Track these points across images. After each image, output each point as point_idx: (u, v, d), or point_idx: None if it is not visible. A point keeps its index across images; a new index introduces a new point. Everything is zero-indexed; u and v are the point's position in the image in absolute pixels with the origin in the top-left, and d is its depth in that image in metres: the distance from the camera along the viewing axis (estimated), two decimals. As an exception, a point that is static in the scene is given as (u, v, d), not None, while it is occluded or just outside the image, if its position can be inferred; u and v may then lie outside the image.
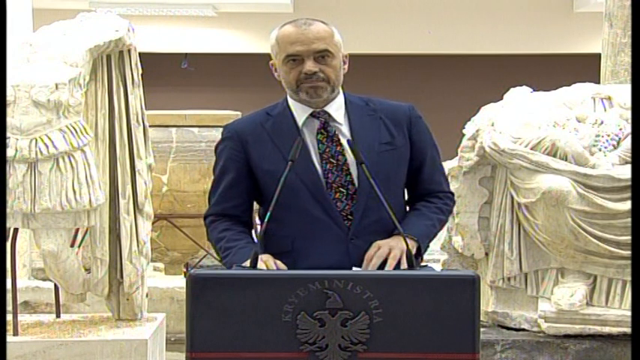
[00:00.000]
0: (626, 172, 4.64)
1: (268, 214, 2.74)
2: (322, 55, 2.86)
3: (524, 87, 5.21)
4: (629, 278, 4.68)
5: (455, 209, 4.48)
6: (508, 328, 4.91)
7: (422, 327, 2.48)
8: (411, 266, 2.73)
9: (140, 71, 4.58)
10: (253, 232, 3.06)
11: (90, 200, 4.13)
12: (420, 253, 2.90)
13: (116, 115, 4.44)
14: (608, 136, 4.84)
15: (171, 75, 13.13)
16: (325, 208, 2.86)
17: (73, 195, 4.08)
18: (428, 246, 2.97)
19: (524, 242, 4.87)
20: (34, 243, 4.40)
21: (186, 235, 6.53)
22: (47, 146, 4.04)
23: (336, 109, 2.93)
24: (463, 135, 5.05)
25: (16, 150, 4.02)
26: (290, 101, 2.95)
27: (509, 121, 4.91)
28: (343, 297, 2.47)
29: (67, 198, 4.07)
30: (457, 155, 5.02)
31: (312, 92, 2.87)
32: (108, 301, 4.56)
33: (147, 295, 4.66)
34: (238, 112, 6.79)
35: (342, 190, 2.88)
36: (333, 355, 2.47)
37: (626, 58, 5.61)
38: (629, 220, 4.50)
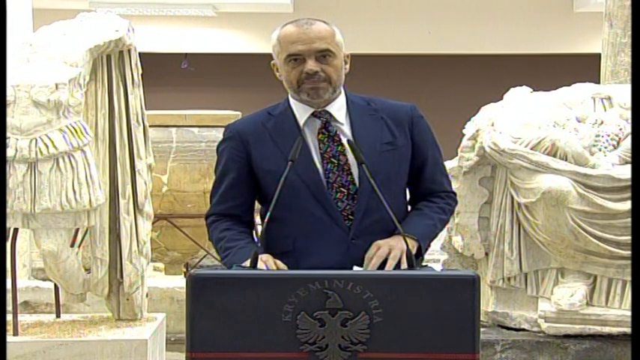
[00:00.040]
0: (626, 172, 4.64)
1: (268, 213, 2.74)
2: (323, 55, 2.86)
3: (524, 87, 5.21)
4: (629, 278, 4.68)
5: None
6: (508, 328, 4.91)
7: (422, 327, 2.47)
8: (411, 266, 2.72)
9: (140, 71, 4.58)
10: (254, 231, 3.06)
11: (90, 200, 4.13)
12: (420, 252, 2.90)
13: (116, 115, 4.44)
14: (608, 136, 4.84)
15: (171, 75, 13.13)
16: (326, 208, 2.86)
17: (73, 195, 4.08)
18: (429, 246, 2.97)
19: (524, 242, 4.87)
20: (34, 243, 4.40)
21: (186, 235, 6.53)
22: (47, 146, 4.04)
23: (338, 109, 2.93)
24: (463, 135, 5.05)
25: (16, 150, 4.02)
26: (291, 101, 2.95)
27: (509, 121, 4.91)
28: (343, 297, 2.47)
29: (67, 198, 4.07)
30: (457, 155, 5.02)
31: (313, 94, 2.87)
32: (108, 301, 4.56)
33: (147, 295, 4.66)
34: (238, 112, 6.79)
35: (343, 190, 2.88)
36: (333, 355, 2.47)
37: (626, 58, 5.61)
38: (629, 220, 4.50)
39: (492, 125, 4.92)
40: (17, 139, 4.04)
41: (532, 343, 4.77)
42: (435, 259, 5.76)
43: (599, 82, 5.67)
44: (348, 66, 2.96)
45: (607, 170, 4.70)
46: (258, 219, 3.14)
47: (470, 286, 2.50)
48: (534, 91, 5.17)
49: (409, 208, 3.04)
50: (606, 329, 4.72)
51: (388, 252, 2.79)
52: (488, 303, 4.94)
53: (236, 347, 2.48)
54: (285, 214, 2.86)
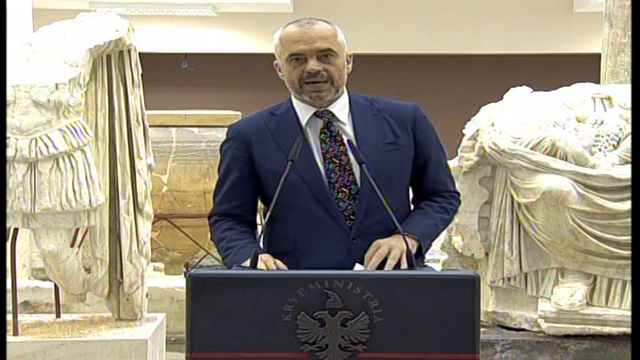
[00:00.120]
0: (626, 172, 4.64)
1: (268, 214, 2.75)
2: (325, 54, 2.86)
3: (524, 87, 5.21)
4: (629, 278, 4.68)
5: (455, 209, 4.48)
6: (508, 328, 4.91)
7: (422, 327, 2.48)
8: (411, 266, 2.72)
9: (140, 71, 4.58)
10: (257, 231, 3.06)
11: (90, 200, 4.13)
12: (421, 252, 2.90)
13: (116, 115, 4.44)
14: (608, 136, 4.84)
15: (171, 75, 13.13)
16: (327, 208, 2.86)
17: (73, 195, 4.08)
18: (430, 245, 2.97)
19: (524, 242, 4.87)
20: (34, 243, 4.40)
21: (186, 235, 6.52)
22: (47, 146, 4.04)
23: (340, 108, 2.93)
24: (463, 135, 5.05)
25: (16, 150, 4.02)
26: (294, 101, 2.95)
27: (509, 121, 4.91)
28: (343, 297, 2.47)
29: (67, 198, 4.07)
30: (457, 155, 5.02)
31: (314, 96, 2.88)
32: (108, 301, 4.56)
33: (147, 295, 4.66)
34: (238, 112, 6.79)
35: (344, 189, 2.88)
36: (333, 355, 2.47)
37: (626, 58, 5.61)
38: (629, 220, 4.50)
39: (492, 125, 4.92)
40: (17, 139, 4.04)
41: (532, 343, 4.77)
42: (435, 259, 5.76)
43: (599, 82, 5.67)
44: (350, 66, 2.97)
45: (607, 170, 4.70)
46: (260, 218, 3.15)
47: (470, 286, 2.50)
48: (534, 91, 5.17)
49: (412, 207, 3.04)
50: (606, 329, 4.72)
51: (388, 251, 2.79)
52: (488, 303, 4.94)
53: (236, 347, 2.48)
54: (287, 214, 2.86)
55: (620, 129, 4.84)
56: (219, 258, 2.97)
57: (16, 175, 4.03)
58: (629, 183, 4.48)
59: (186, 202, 6.55)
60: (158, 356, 4.46)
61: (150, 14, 11.44)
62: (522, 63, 12.58)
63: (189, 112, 6.80)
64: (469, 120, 5.12)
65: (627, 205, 4.59)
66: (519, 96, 5.12)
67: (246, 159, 2.94)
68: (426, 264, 2.95)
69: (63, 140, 4.07)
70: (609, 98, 5.01)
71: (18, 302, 4.36)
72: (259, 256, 2.70)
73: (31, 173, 4.05)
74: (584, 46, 11.63)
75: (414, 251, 2.81)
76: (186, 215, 6.53)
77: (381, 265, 2.77)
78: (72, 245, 4.31)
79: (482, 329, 4.17)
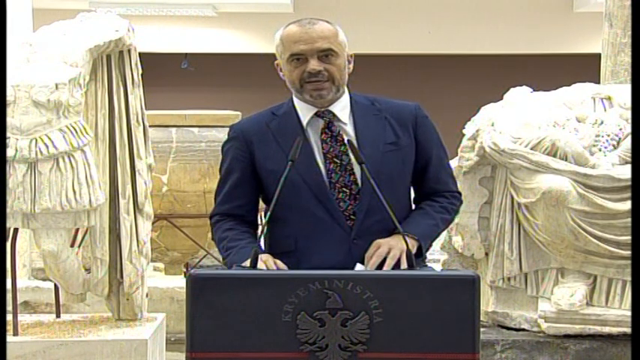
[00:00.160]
0: (626, 172, 4.64)
1: (268, 214, 2.75)
2: (326, 54, 2.86)
3: (524, 87, 5.21)
4: (629, 278, 4.68)
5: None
6: (508, 328, 4.91)
7: (422, 327, 2.48)
8: (410, 266, 2.72)
9: (140, 71, 4.58)
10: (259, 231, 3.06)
11: (90, 200, 4.13)
12: (421, 252, 2.90)
13: (116, 115, 4.44)
14: (608, 136, 4.84)
15: (171, 75, 13.12)
16: (328, 208, 2.86)
17: (73, 195, 4.08)
18: (430, 245, 2.97)
19: (524, 242, 4.87)
20: (34, 243, 4.40)
21: (186, 235, 6.52)
22: (47, 146, 4.04)
23: (341, 108, 2.93)
24: (463, 135, 5.05)
25: (16, 150, 4.02)
26: (295, 101, 2.95)
27: (509, 121, 4.91)
28: (343, 297, 2.47)
29: (67, 198, 4.07)
30: (457, 155, 5.02)
31: (315, 95, 2.88)
32: (108, 301, 4.56)
33: (147, 295, 4.66)
34: (238, 112, 6.79)
35: (345, 190, 2.88)
36: (333, 355, 2.47)
37: (626, 58, 5.61)
38: (629, 220, 4.50)
39: (492, 125, 4.92)
40: (17, 139, 4.04)
41: (532, 343, 4.77)
42: (435, 259, 5.76)
43: (599, 82, 5.67)
44: (351, 66, 2.97)
45: (607, 170, 4.70)
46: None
47: (470, 286, 2.50)
48: (534, 91, 5.17)
49: (414, 207, 3.04)
50: (606, 329, 4.72)
51: (387, 251, 2.79)
52: (488, 303, 4.94)
53: (236, 347, 2.48)
54: (287, 214, 2.86)
55: (620, 129, 4.84)
56: (220, 258, 2.97)
57: (16, 175, 4.03)
58: (629, 183, 4.48)
59: (186, 202, 6.55)
60: (158, 356, 4.46)
61: (150, 14, 11.44)
62: (522, 63, 12.58)
63: (189, 112, 6.80)
64: (469, 120, 5.12)
65: (627, 205, 4.59)
66: (519, 96, 5.12)
67: (248, 159, 2.94)
68: (425, 264, 2.95)
69: (63, 140, 4.07)
70: (609, 98, 5.01)
71: (18, 302, 4.36)
72: (259, 256, 2.70)
73: (31, 173, 4.05)
74: (584, 46, 11.62)
75: (414, 251, 2.81)
76: (186, 215, 6.53)
77: (381, 265, 2.77)
78: (72, 245, 4.31)
79: (482, 329, 4.17)
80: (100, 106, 4.42)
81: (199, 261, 6.96)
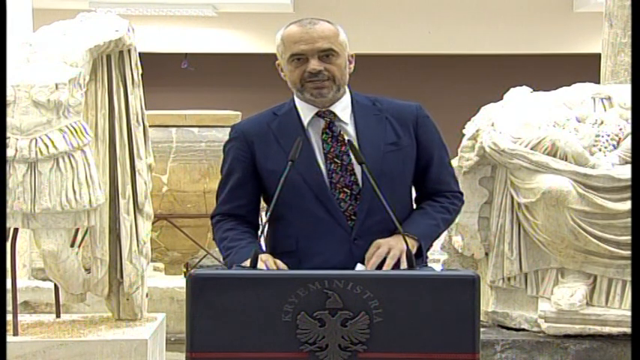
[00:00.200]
0: (626, 172, 4.64)
1: (269, 214, 2.75)
2: (327, 54, 2.86)
3: (524, 87, 5.21)
4: (629, 278, 4.68)
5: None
6: (508, 328, 4.91)
7: (422, 327, 2.47)
8: (410, 266, 2.72)
9: (140, 71, 4.58)
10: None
11: (90, 200, 4.13)
12: (421, 252, 2.90)
13: (116, 115, 4.44)
14: (608, 136, 4.84)
15: (171, 75, 13.12)
16: (329, 208, 2.86)
17: (73, 195, 4.08)
18: (431, 245, 2.97)
19: (524, 242, 4.87)
20: (34, 243, 4.40)
21: (186, 235, 6.53)
22: (47, 146, 4.04)
23: (342, 108, 2.93)
24: (463, 135, 5.05)
25: (16, 150, 4.02)
26: (296, 101, 2.95)
27: (509, 121, 4.91)
28: (343, 297, 2.47)
29: (67, 198, 4.07)
30: (457, 155, 5.02)
31: (316, 93, 2.88)
32: (108, 301, 4.56)
33: (147, 295, 4.66)
34: (238, 112, 6.79)
35: (346, 190, 2.88)
36: (333, 355, 2.47)
37: (626, 58, 5.61)
38: (629, 220, 4.50)
39: (492, 125, 4.92)
40: (17, 139, 4.04)
41: (532, 343, 4.77)
42: (435, 259, 5.77)
43: (599, 82, 5.67)
44: (352, 66, 2.97)
45: (607, 170, 4.71)
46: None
47: (470, 286, 2.50)
48: (534, 91, 5.17)
49: (415, 207, 3.04)
50: (606, 329, 4.72)
51: (387, 251, 2.79)
52: (488, 303, 4.94)
53: (236, 347, 2.48)
54: (288, 214, 2.87)
55: (620, 129, 4.85)
56: (220, 258, 2.97)
57: (16, 175, 4.03)
58: (629, 183, 4.48)
59: (186, 202, 6.56)
60: (158, 356, 4.46)
61: (150, 14, 11.44)
62: (522, 63, 12.57)
63: (189, 112, 6.81)
64: (469, 120, 5.12)
65: (627, 205, 4.59)
66: (519, 96, 5.12)
67: (249, 159, 2.94)
68: (425, 264, 2.95)
69: (63, 140, 4.07)
70: (609, 98, 5.01)
71: (18, 302, 4.36)
72: (259, 256, 2.70)
73: (31, 173, 4.05)
74: (584, 46, 11.62)
75: (414, 251, 2.81)
76: (186, 215, 6.54)
77: (381, 265, 2.77)
78: (72, 245, 4.31)
79: (482, 329, 4.17)
80: (100, 106, 4.42)
81: (199, 261, 6.97)
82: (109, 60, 4.44)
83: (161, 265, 7.05)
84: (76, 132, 4.13)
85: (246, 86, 13.04)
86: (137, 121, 4.51)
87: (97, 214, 4.27)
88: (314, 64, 2.85)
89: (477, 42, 12.15)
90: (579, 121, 4.91)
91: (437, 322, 2.47)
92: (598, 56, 5.91)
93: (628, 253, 4.54)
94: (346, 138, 2.89)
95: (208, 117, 6.76)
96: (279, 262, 2.78)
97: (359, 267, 2.81)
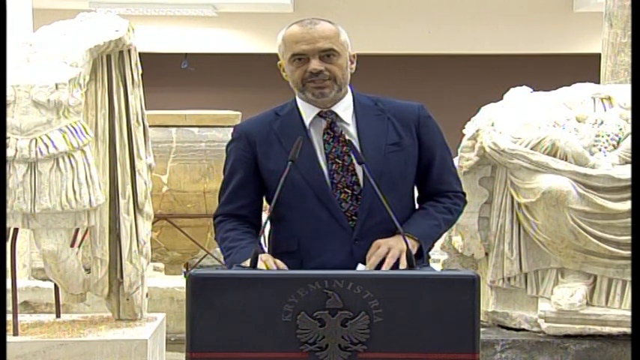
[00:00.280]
0: (626, 172, 4.64)
1: (269, 214, 2.75)
2: (328, 54, 2.86)
3: (524, 87, 5.21)
4: (629, 278, 4.68)
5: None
6: (508, 328, 4.91)
7: (422, 327, 2.48)
8: (410, 266, 2.72)
9: (140, 71, 4.58)
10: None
11: (90, 200, 4.13)
12: (421, 253, 2.90)
13: (116, 115, 4.44)
14: (608, 136, 4.84)
15: (171, 75, 13.13)
16: (330, 208, 2.86)
17: (73, 195, 4.08)
18: (432, 246, 2.97)
19: (524, 242, 4.87)
20: (34, 243, 4.40)
21: (186, 235, 6.52)
22: (47, 146, 4.04)
23: (344, 109, 2.93)
24: (463, 135, 5.05)
25: (16, 150, 4.02)
26: (298, 101, 2.95)
27: (509, 121, 4.91)
28: (343, 297, 2.47)
29: (67, 198, 4.07)
30: (457, 155, 5.02)
31: (317, 93, 2.88)
32: (108, 301, 4.56)
33: (147, 295, 4.66)
34: (238, 112, 6.79)
35: (347, 190, 2.88)
36: (333, 355, 2.47)
37: (626, 58, 5.61)
38: (629, 220, 4.50)
39: (492, 125, 4.92)
40: (17, 139, 4.04)
41: (532, 343, 4.76)
42: (435, 259, 5.77)
43: (599, 82, 5.67)
44: (354, 66, 2.97)
45: (607, 170, 4.70)
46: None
47: (470, 286, 2.50)
48: (534, 91, 5.17)
49: (417, 208, 3.04)
50: (606, 329, 4.72)
51: (387, 251, 2.79)
52: (488, 303, 4.94)
53: (236, 347, 2.48)
54: (290, 215, 2.87)
55: (620, 129, 4.84)
56: (220, 258, 2.97)
57: (16, 175, 4.03)
58: (629, 183, 4.48)
59: (186, 202, 6.55)
60: (158, 356, 4.46)
61: (150, 14, 11.44)
62: (522, 63, 12.58)
63: (189, 112, 6.80)
64: (469, 120, 5.12)
65: (627, 205, 4.59)
66: (519, 96, 5.12)
67: (251, 159, 2.95)
68: (425, 264, 2.95)
69: (63, 140, 4.07)
70: (609, 98, 5.01)
71: (18, 302, 4.35)
72: (259, 256, 2.70)
73: (31, 173, 4.05)
74: (584, 46, 11.63)
75: (414, 252, 2.81)
76: (186, 215, 6.53)
77: (381, 265, 2.77)
78: (72, 245, 4.31)
79: (482, 329, 4.17)
80: (100, 106, 4.41)
81: (199, 261, 6.97)
82: (109, 60, 4.44)
83: (161, 265, 7.05)
84: (76, 132, 4.12)
85: (246, 86, 13.05)
86: (137, 121, 4.51)
87: (97, 214, 4.27)
88: (315, 64, 2.85)
89: (477, 42, 12.15)
90: (579, 121, 4.91)
91: (437, 322, 2.48)
92: (598, 56, 5.91)
93: (628, 253, 4.54)
94: (346, 138, 2.89)
95: (208, 117, 6.76)
96: (279, 261, 2.78)
97: (360, 267, 2.81)
